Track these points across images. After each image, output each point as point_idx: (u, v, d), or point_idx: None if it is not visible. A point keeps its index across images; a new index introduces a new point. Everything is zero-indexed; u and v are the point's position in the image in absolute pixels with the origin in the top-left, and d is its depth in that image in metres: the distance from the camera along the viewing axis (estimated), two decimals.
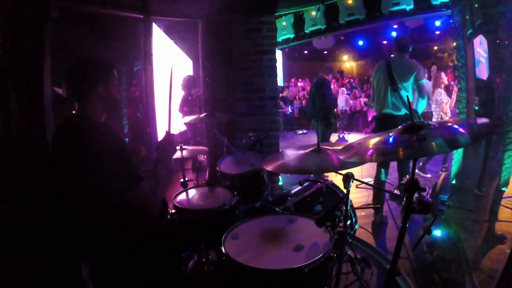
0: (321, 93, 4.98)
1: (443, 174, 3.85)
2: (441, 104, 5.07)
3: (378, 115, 3.48)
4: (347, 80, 13.41)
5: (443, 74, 5.27)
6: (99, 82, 1.56)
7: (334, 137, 9.67)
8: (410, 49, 3.41)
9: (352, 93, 11.73)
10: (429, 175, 5.03)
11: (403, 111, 3.28)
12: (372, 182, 3.86)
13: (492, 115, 3.03)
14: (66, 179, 1.49)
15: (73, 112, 1.64)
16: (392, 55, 3.49)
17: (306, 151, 1.67)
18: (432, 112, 5.34)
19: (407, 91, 3.27)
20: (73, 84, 1.59)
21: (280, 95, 11.69)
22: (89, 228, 1.49)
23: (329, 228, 1.48)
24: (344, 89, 10.84)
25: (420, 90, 3.31)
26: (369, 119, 10.58)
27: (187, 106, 4.99)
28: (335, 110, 5.43)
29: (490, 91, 3.08)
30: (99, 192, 1.44)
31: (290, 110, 11.74)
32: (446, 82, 5.34)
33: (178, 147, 2.49)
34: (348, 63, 16.87)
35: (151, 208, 1.58)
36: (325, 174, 4.31)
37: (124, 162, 1.47)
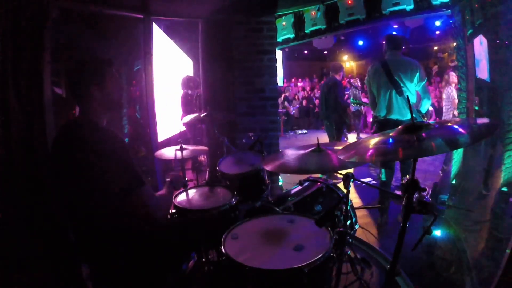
0: (334, 94, 4.94)
1: (443, 174, 3.86)
2: (453, 100, 5.17)
3: (381, 120, 3.26)
4: (347, 80, 13.41)
5: (453, 73, 5.39)
6: (92, 84, 1.54)
7: (351, 137, 9.61)
8: (403, 47, 3.22)
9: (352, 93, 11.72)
10: None
11: (409, 115, 3.14)
12: (372, 182, 3.85)
13: (497, 115, 3.01)
14: (66, 182, 1.49)
15: (74, 113, 1.64)
16: (385, 56, 3.27)
17: (306, 151, 1.67)
18: (443, 107, 5.47)
19: (412, 93, 3.11)
20: (70, 87, 1.59)
21: (283, 95, 11.70)
22: (89, 229, 1.49)
23: (329, 228, 1.48)
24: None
25: (424, 91, 3.19)
26: (369, 120, 10.59)
27: (186, 106, 5.00)
28: (349, 109, 5.36)
29: (494, 92, 3.07)
30: (98, 195, 1.44)
31: (293, 111, 11.72)
32: (456, 81, 5.46)
33: (178, 147, 2.49)
34: (348, 63, 16.87)
35: (153, 214, 1.57)
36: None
37: (124, 165, 1.47)
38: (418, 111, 3.28)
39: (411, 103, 3.22)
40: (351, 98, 8.45)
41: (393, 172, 3.41)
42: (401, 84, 3.09)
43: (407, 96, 3.06)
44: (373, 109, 3.43)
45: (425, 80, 3.16)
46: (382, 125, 3.27)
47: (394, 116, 3.18)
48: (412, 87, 3.14)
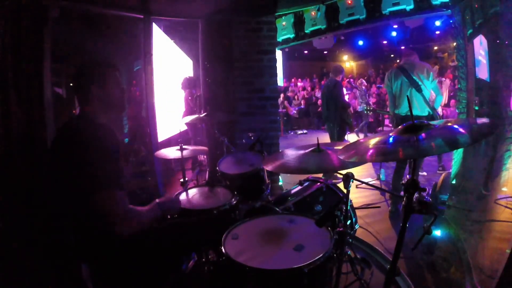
0: (335, 95, 4.98)
1: (443, 174, 3.86)
2: None
3: (403, 116, 3.67)
4: (347, 80, 13.43)
5: None
6: (93, 84, 1.56)
7: (351, 137, 9.61)
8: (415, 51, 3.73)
9: (352, 93, 11.73)
10: (425, 173, 5.06)
11: (427, 111, 3.58)
12: (372, 182, 3.88)
13: (498, 115, 3.01)
14: (63, 178, 1.49)
15: (74, 113, 1.65)
16: (399, 61, 3.82)
17: (306, 151, 1.67)
18: None
19: (428, 90, 3.57)
20: (73, 87, 1.62)
21: (283, 95, 11.69)
22: (88, 229, 1.49)
23: (329, 228, 1.48)
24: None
25: (437, 88, 3.70)
26: (371, 120, 10.58)
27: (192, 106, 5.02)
28: (350, 110, 5.45)
29: (494, 92, 3.07)
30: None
31: (294, 111, 11.71)
32: None
33: (178, 148, 2.49)
34: (348, 63, 16.87)
35: (118, 224, 1.41)
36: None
37: (112, 166, 1.46)
38: (433, 108, 3.68)
39: (426, 98, 3.57)
40: (364, 106, 8.59)
41: (401, 174, 3.73)
42: (420, 83, 3.52)
43: (424, 93, 3.53)
44: (391, 109, 3.80)
45: (437, 80, 3.67)
46: (403, 120, 3.64)
47: (414, 112, 3.58)
48: (429, 85, 3.58)
